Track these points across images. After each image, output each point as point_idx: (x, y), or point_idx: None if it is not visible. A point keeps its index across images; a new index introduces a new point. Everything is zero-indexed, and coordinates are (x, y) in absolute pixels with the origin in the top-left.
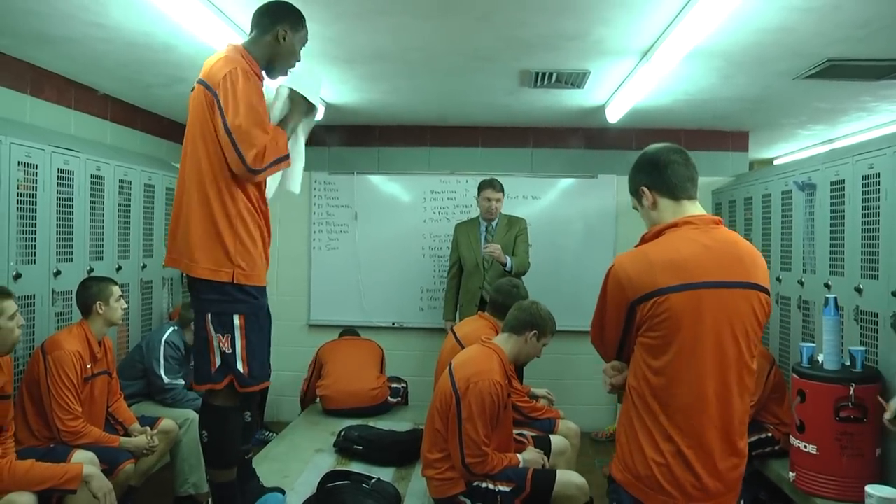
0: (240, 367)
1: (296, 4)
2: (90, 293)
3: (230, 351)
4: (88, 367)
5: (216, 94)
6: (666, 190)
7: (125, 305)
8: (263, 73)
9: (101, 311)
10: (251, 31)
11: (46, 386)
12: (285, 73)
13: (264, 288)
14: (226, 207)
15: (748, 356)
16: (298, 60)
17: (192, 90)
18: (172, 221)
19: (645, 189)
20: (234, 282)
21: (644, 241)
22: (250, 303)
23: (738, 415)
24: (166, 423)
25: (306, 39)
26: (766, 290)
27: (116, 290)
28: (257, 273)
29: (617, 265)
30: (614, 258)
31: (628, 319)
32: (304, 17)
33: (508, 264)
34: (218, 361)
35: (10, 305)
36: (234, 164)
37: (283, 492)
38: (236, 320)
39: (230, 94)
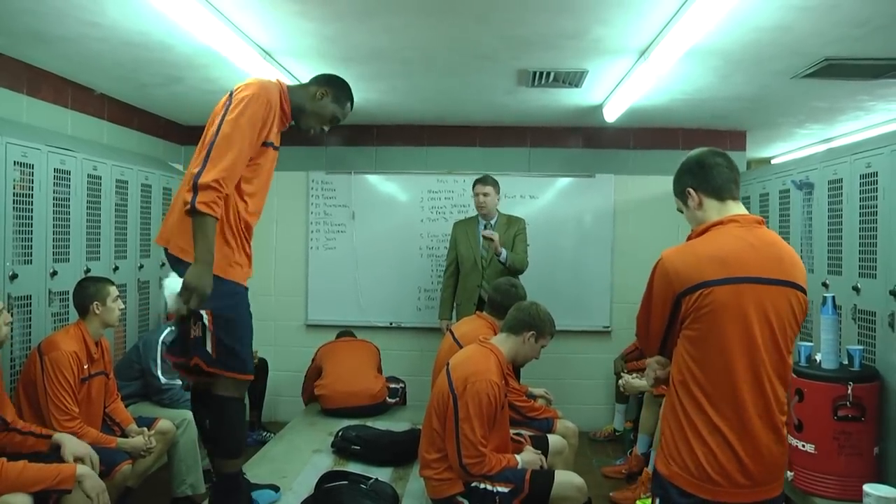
0: (208, 346)
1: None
2: (87, 293)
3: (199, 335)
4: (85, 367)
5: (232, 98)
6: (711, 191)
7: (122, 306)
8: (292, 117)
9: (97, 312)
10: (309, 80)
11: (43, 387)
12: (308, 132)
13: (244, 287)
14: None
15: (785, 351)
16: (324, 129)
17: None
18: (171, 204)
19: (691, 190)
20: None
21: (690, 238)
22: (222, 301)
23: (779, 405)
24: (163, 424)
25: (338, 120)
26: (803, 290)
27: (113, 291)
28: (231, 268)
29: (665, 258)
30: (662, 253)
31: (673, 312)
32: (351, 101)
33: (503, 255)
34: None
35: None
36: (196, 163)
37: (276, 488)
38: (204, 314)
39: (242, 104)
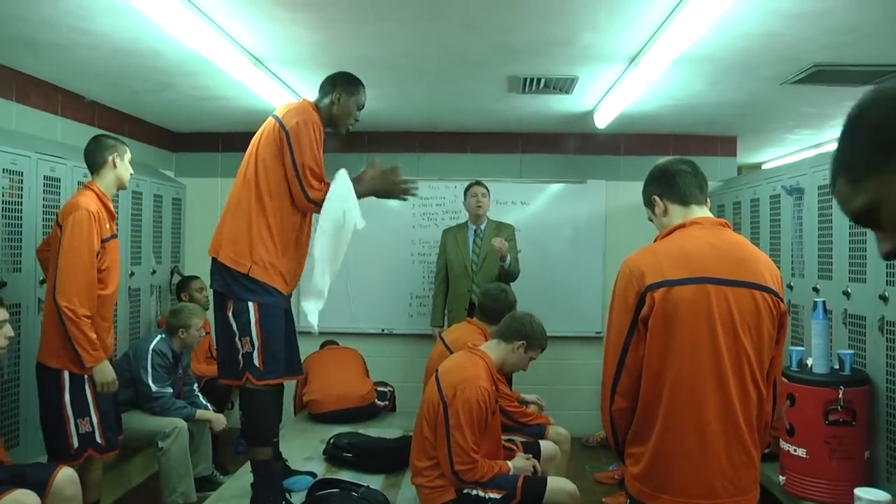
0: (256, 362)
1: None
2: None
3: (251, 350)
4: None
5: (288, 133)
6: (676, 197)
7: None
8: (327, 128)
9: None
10: (318, 93)
11: None
12: (347, 130)
13: (281, 292)
14: (266, 218)
15: (754, 354)
16: (357, 119)
17: (266, 121)
18: (219, 222)
19: (656, 198)
20: (249, 274)
21: (655, 241)
22: (264, 295)
23: (745, 411)
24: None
25: (362, 103)
26: (772, 292)
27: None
28: (272, 276)
29: (627, 260)
30: (625, 258)
31: (636, 314)
32: (360, 84)
33: (507, 262)
34: (241, 361)
35: (1, 313)
36: (297, 195)
37: (314, 475)
38: (251, 308)
39: (301, 137)
